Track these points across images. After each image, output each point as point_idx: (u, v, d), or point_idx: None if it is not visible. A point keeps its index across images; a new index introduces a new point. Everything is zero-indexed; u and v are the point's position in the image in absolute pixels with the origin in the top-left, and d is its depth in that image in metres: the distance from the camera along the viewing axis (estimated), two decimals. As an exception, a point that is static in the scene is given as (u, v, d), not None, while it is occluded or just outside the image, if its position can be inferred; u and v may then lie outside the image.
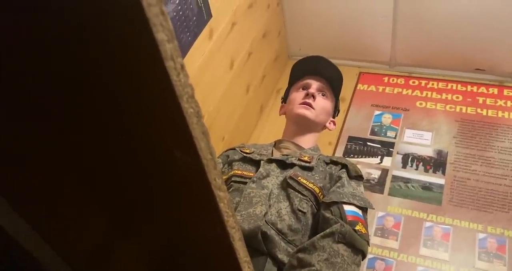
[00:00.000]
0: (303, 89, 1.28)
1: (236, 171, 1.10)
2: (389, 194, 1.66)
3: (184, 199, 0.37)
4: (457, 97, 1.93)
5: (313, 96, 1.23)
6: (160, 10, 0.24)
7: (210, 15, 1.45)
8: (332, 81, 1.30)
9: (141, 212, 0.40)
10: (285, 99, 1.37)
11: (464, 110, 1.87)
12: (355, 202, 1.01)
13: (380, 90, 2.03)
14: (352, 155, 1.80)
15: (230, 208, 0.38)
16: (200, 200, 0.36)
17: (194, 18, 1.37)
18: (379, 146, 1.82)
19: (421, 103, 1.94)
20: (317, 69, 1.28)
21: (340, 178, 1.07)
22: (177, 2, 1.27)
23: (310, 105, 1.22)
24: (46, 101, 0.32)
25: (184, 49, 1.35)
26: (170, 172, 0.34)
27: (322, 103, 1.25)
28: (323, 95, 1.27)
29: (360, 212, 1.00)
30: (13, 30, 0.27)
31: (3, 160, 0.40)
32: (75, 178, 0.39)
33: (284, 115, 1.33)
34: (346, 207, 0.98)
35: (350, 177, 1.09)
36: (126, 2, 0.23)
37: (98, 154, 0.35)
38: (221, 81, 1.62)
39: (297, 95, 1.27)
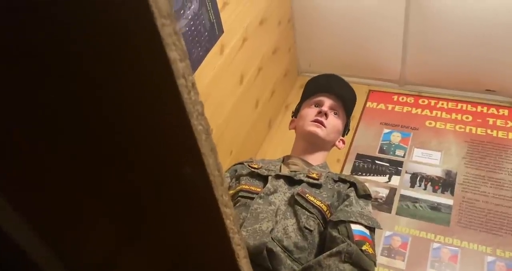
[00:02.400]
0: (315, 106, 1.29)
1: (244, 186, 1.10)
2: (397, 213, 1.64)
3: (190, 214, 0.37)
4: (467, 118, 1.92)
5: (326, 115, 1.24)
6: (174, 30, 0.25)
7: (221, 31, 1.47)
8: (345, 100, 1.30)
9: (147, 225, 0.40)
10: (295, 113, 1.38)
11: (474, 131, 1.86)
12: (363, 222, 1.00)
13: (390, 108, 2.03)
14: (360, 173, 1.79)
15: (236, 225, 0.38)
16: (206, 216, 0.36)
17: (206, 33, 1.39)
18: (388, 164, 1.81)
19: (430, 123, 1.93)
20: (331, 88, 1.29)
21: (348, 196, 1.07)
22: (189, 17, 1.29)
23: (322, 123, 1.22)
24: (58, 113, 0.32)
25: (195, 63, 1.37)
26: (178, 187, 0.35)
27: (334, 122, 1.25)
28: (335, 114, 1.27)
29: (367, 231, 0.99)
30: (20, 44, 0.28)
31: (14, 169, 0.40)
32: (84, 189, 0.39)
33: (294, 130, 1.33)
34: (354, 226, 0.98)
35: (359, 195, 1.09)
36: (140, 22, 0.24)
37: (107, 167, 0.35)
38: (231, 96, 1.63)
39: (309, 112, 1.27)
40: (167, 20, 0.24)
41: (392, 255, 1.54)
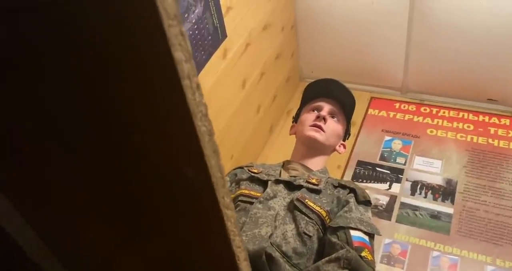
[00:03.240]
0: (314, 111, 1.29)
1: (244, 191, 1.10)
2: (397, 221, 1.64)
3: (191, 215, 0.37)
4: (468, 127, 1.92)
5: (324, 119, 1.24)
6: (180, 31, 0.25)
7: (225, 35, 1.48)
8: (344, 105, 1.30)
9: (148, 225, 0.40)
10: (296, 119, 1.38)
11: (475, 140, 1.86)
12: (362, 228, 1.00)
13: (391, 116, 2.03)
14: (360, 180, 1.79)
15: (237, 227, 0.38)
16: (207, 218, 0.36)
17: (210, 37, 1.40)
18: (388, 171, 1.81)
19: (432, 131, 1.93)
20: (330, 92, 1.29)
21: (348, 202, 1.06)
22: (193, 21, 1.29)
23: (320, 128, 1.22)
24: (59, 113, 0.33)
25: (198, 67, 1.37)
26: (180, 188, 0.35)
27: (333, 127, 1.25)
28: (334, 118, 1.27)
29: (367, 238, 0.99)
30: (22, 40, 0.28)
31: (15, 171, 0.40)
32: (85, 189, 0.39)
33: (294, 135, 1.33)
34: (353, 233, 0.97)
35: (358, 201, 1.08)
36: (147, 22, 0.24)
37: (109, 167, 0.35)
38: (233, 100, 1.64)
39: (308, 117, 1.27)
40: (173, 21, 0.24)
41: (392, 262, 1.53)
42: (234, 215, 0.37)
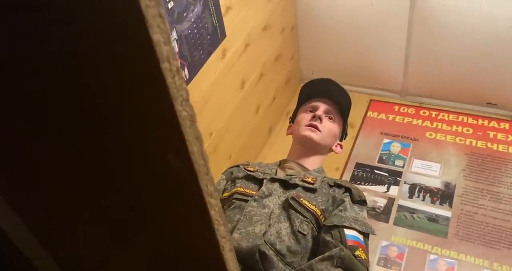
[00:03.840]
0: (310, 111, 1.29)
1: (239, 188, 1.10)
2: (394, 224, 1.63)
3: (173, 205, 0.37)
4: (468, 130, 1.92)
5: (320, 119, 1.24)
6: (158, 12, 0.25)
7: (224, 35, 1.48)
8: (340, 104, 1.30)
9: (130, 216, 0.40)
10: (293, 119, 1.38)
11: (474, 144, 1.86)
12: (357, 227, 0.99)
13: (390, 118, 2.02)
14: (359, 182, 1.78)
15: (221, 216, 0.38)
16: (190, 206, 0.36)
17: (209, 36, 1.40)
18: (387, 174, 1.80)
19: (431, 134, 1.92)
20: (325, 92, 1.29)
21: (343, 201, 1.06)
22: (192, 20, 1.30)
23: (316, 127, 1.22)
24: (44, 104, 0.33)
25: (197, 66, 1.37)
26: (162, 176, 0.35)
27: (329, 126, 1.25)
28: (330, 118, 1.27)
29: (361, 237, 0.99)
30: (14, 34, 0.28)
31: (11, 169, 0.40)
32: (73, 182, 0.39)
33: (291, 135, 1.34)
34: (347, 231, 0.97)
35: (354, 201, 1.08)
36: (124, 3, 0.24)
37: (91, 156, 0.35)
38: (232, 100, 1.64)
39: (304, 117, 1.27)
40: (151, 2, 0.24)
41: (388, 265, 1.53)
42: (218, 204, 0.37)
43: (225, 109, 1.60)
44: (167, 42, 0.26)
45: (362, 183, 1.78)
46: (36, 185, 0.42)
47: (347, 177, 1.82)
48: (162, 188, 0.36)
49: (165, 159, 0.33)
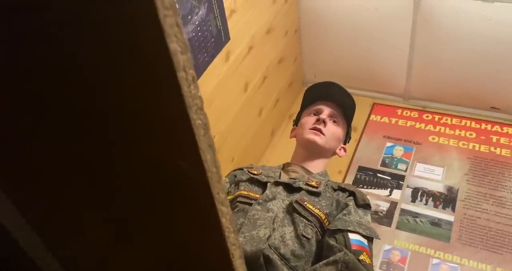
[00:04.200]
0: (314, 114, 1.29)
1: (243, 192, 1.10)
2: (397, 228, 1.63)
3: (185, 212, 0.37)
4: (471, 134, 1.91)
5: (324, 122, 1.24)
6: (176, 22, 0.25)
7: (228, 38, 1.48)
8: (345, 108, 1.30)
9: (141, 221, 0.40)
10: (296, 122, 1.38)
11: (477, 148, 1.85)
12: (361, 231, 0.99)
13: (393, 122, 2.02)
14: (361, 185, 1.78)
15: (232, 224, 0.38)
16: (202, 214, 0.36)
17: (213, 39, 1.40)
18: (389, 178, 1.80)
19: (433, 138, 1.92)
20: (330, 95, 1.29)
21: (347, 205, 1.06)
22: (196, 23, 1.30)
23: (320, 131, 1.22)
24: (52, 105, 0.33)
25: (201, 69, 1.37)
26: (174, 183, 0.35)
27: (333, 130, 1.25)
28: (334, 121, 1.27)
29: (365, 241, 0.99)
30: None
31: (14, 171, 0.40)
32: (78, 183, 0.39)
33: (295, 139, 1.33)
34: (351, 236, 0.97)
35: (358, 205, 1.08)
36: (142, 12, 0.24)
37: (103, 160, 0.35)
38: (235, 103, 1.64)
39: (308, 120, 1.27)
40: (169, 11, 0.24)
41: (391, 269, 1.52)
42: (229, 212, 0.37)
43: (228, 112, 1.60)
44: (184, 51, 0.26)
45: (365, 187, 1.78)
46: (42, 186, 0.42)
47: (349, 180, 1.81)
48: (174, 195, 0.36)
49: (177, 166, 0.33)
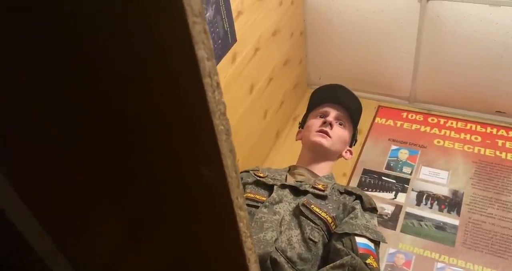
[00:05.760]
0: (321, 117, 1.29)
1: (249, 194, 1.10)
2: (402, 231, 1.63)
3: (203, 215, 0.37)
4: (476, 138, 1.91)
5: (331, 125, 1.23)
6: (203, 29, 0.25)
7: (235, 40, 1.48)
8: (351, 110, 1.30)
9: (159, 225, 0.40)
10: (302, 124, 1.38)
11: (482, 152, 1.85)
12: (368, 235, 0.99)
13: (398, 125, 2.02)
14: (366, 188, 1.78)
15: (249, 229, 0.38)
16: (220, 218, 0.36)
17: (220, 41, 1.40)
18: (394, 181, 1.80)
19: (439, 142, 1.92)
20: (337, 98, 1.29)
21: (353, 208, 1.06)
22: (205, 25, 1.30)
23: (327, 133, 1.22)
24: (77, 108, 0.33)
25: (208, 70, 1.38)
26: (194, 188, 0.35)
27: (339, 132, 1.25)
28: (340, 124, 1.27)
29: (372, 245, 0.98)
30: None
31: (27, 167, 0.40)
32: (97, 185, 0.39)
33: (300, 141, 1.33)
34: (358, 239, 0.97)
35: (364, 208, 1.08)
36: (171, 19, 0.24)
37: (125, 165, 0.35)
38: (240, 104, 1.64)
39: (315, 122, 1.27)
40: (198, 18, 0.24)
41: (395, 272, 1.52)
42: (246, 216, 0.37)
43: (233, 113, 1.60)
44: (210, 57, 0.26)
45: (370, 190, 1.78)
46: (56, 185, 0.42)
47: (354, 183, 1.81)
48: (193, 199, 0.36)
49: (198, 171, 0.33)
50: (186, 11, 0.24)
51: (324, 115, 1.29)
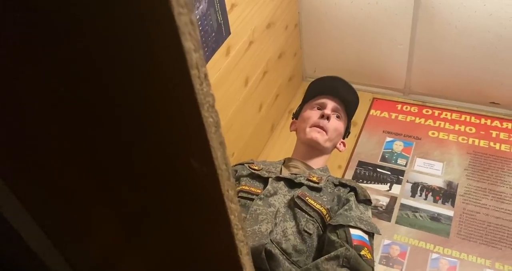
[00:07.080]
0: (318, 108, 1.28)
1: (244, 187, 1.10)
2: (397, 222, 1.64)
3: (194, 208, 0.37)
4: (470, 130, 1.92)
5: (328, 118, 1.23)
6: (190, 20, 0.25)
7: (229, 32, 1.48)
8: (349, 103, 1.30)
9: (150, 219, 0.40)
10: (297, 115, 1.37)
11: (476, 143, 1.86)
12: (362, 226, 1.00)
13: (393, 117, 2.02)
14: (361, 180, 1.79)
15: (240, 221, 0.38)
16: (211, 211, 0.36)
17: (213, 34, 1.39)
18: (389, 173, 1.81)
19: (433, 133, 1.93)
20: (335, 90, 1.29)
21: (348, 200, 1.06)
22: (197, 17, 1.29)
23: (323, 128, 1.22)
24: (65, 102, 0.32)
25: (202, 64, 1.37)
26: (184, 180, 0.35)
27: (336, 125, 1.25)
28: (337, 116, 1.27)
29: (366, 236, 0.99)
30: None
31: (22, 163, 0.40)
32: (91, 180, 0.39)
33: (295, 132, 1.33)
34: (353, 231, 0.97)
35: (359, 200, 1.08)
36: (157, 9, 0.24)
37: (115, 157, 0.35)
38: (235, 98, 1.63)
39: (311, 114, 1.26)
40: (184, 9, 0.24)
41: (390, 264, 1.53)
42: (238, 209, 0.37)
43: (228, 107, 1.60)
44: (197, 49, 0.26)
45: (365, 182, 1.78)
46: (52, 183, 0.42)
47: (349, 175, 1.82)
48: (182, 192, 0.36)
49: (188, 163, 0.32)
50: (172, 2, 0.23)
51: (321, 106, 1.28)
